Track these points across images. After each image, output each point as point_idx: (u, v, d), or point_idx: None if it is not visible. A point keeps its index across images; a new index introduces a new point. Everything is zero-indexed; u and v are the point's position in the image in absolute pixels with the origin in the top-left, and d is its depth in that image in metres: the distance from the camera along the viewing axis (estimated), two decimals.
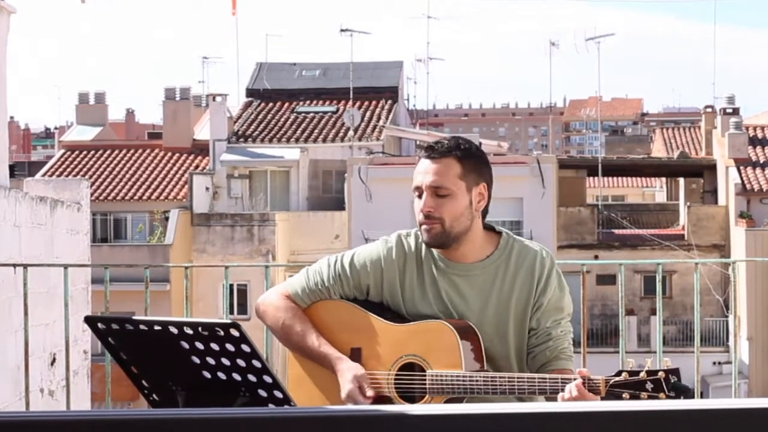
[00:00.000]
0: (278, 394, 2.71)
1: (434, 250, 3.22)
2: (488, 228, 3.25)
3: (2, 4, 8.48)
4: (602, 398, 2.89)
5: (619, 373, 2.90)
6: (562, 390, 2.93)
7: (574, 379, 2.92)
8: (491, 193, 3.23)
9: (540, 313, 3.17)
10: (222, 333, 2.64)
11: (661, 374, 2.85)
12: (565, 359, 3.16)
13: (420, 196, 3.16)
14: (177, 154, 34.51)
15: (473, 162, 3.18)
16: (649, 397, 2.85)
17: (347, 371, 3.12)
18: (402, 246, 3.24)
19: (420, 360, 3.10)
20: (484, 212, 3.23)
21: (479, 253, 3.21)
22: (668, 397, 2.84)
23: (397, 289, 3.22)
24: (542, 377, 3.01)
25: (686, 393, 2.86)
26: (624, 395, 2.87)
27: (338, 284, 3.25)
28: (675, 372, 2.86)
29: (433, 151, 3.17)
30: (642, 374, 2.86)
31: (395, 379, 3.12)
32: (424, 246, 3.23)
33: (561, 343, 3.16)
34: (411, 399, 3.10)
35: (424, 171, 3.16)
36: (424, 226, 3.15)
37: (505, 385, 3.00)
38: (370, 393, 3.08)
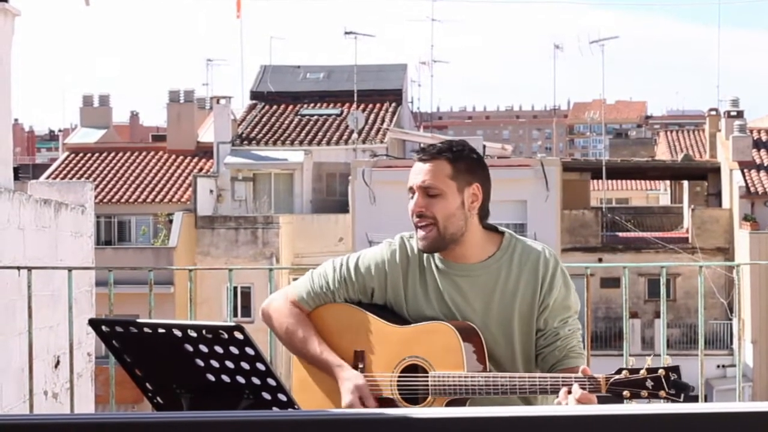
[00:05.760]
0: (282, 397, 2.72)
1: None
2: (490, 228, 3.25)
3: (7, 6, 8.49)
4: (603, 396, 2.89)
5: (619, 371, 2.90)
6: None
7: (575, 378, 2.93)
8: (488, 194, 3.22)
9: (547, 313, 3.17)
10: (226, 336, 2.64)
11: (661, 372, 2.85)
12: (575, 357, 3.16)
13: (413, 197, 3.19)
14: (181, 157, 34.54)
15: (465, 163, 3.19)
16: (650, 395, 2.85)
17: (348, 381, 3.13)
18: (405, 248, 3.25)
19: (423, 361, 3.10)
20: (485, 213, 3.23)
21: (481, 253, 3.21)
22: (668, 394, 2.84)
23: (400, 291, 3.23)
24: (543, 376, 3.02)
25: (686, 390, 2.85)
26: (624, 393, 2.87)
27: (343, 288, 3.26)
28: (675, 369, 2.86)
29: (424, 153, 3.22)
30: (642, 372, 2.86)
31: (398, 381, 3.13)
32: None
33: (569, 341, 3.17)
34: (414, 400, 3.10)
35: (416, 172, 3.20)
36: (420, 232, 3.17)
37: (506, 385, 3.00)
38: (370, 403, 3.09)
